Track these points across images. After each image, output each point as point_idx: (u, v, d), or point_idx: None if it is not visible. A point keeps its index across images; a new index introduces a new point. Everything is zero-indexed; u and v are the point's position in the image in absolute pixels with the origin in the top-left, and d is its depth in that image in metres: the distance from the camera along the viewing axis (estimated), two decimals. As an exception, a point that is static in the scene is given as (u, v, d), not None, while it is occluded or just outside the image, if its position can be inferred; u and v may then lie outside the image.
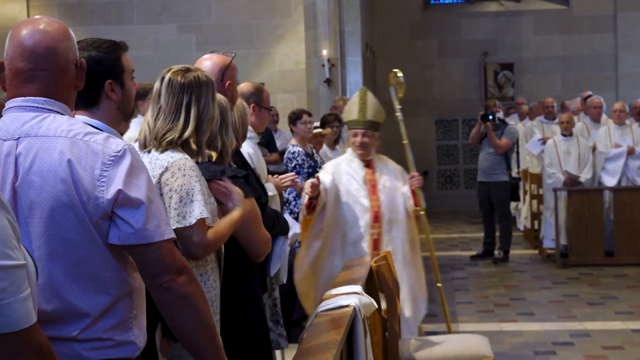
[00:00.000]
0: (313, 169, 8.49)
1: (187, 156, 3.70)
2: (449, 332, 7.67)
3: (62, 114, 2.85)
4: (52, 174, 2.73)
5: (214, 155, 4.18)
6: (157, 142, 3.73)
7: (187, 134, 3.73)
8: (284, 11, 16.17)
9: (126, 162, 2.76)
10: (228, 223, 3.85)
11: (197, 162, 4.01)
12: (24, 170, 2.75)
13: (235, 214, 3.90)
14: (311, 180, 6.38)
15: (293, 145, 8.65)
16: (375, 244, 6.73)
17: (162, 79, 3.81)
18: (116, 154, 2.76)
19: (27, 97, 2.84)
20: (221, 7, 16.27)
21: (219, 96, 4.33)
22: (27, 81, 2.86)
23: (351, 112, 6.86)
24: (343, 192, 6.74)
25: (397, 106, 7.16)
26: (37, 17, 2.94)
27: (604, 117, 13.84)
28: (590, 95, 14.55)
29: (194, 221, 3.54)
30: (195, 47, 16.06)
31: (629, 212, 12.15)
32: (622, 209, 12.18)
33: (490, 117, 12.59)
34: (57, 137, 2.76)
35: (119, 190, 2.72)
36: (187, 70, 3.81)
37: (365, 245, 6.70)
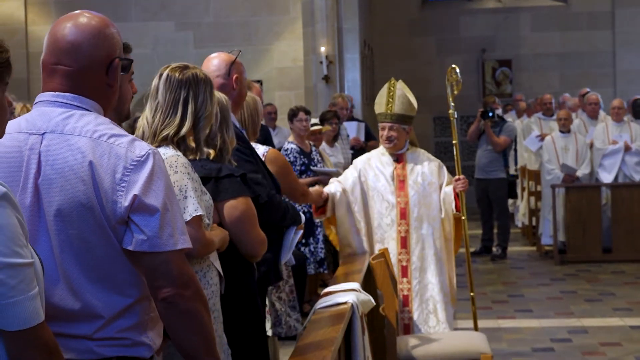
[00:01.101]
0: (306, 167, 8.49)
1: (179, 153, 3.70)
2: None
3: (90, 112, 2.80)
4: (73, 174, 2.69)
5: (212, 153, 4.19)
6: (154, 137, 3.73)
7: (184, 130, 3.73)
8: (282, 8, 16.18)
9: (148, 167, 2.71)
10: (220, 235, 3.88)
11: (194, 160, 4.02)
12: (46, 167, 2.72)
13: (222, 235, 3.92)
14: (319, 188, 6.31)
15: (289, 142, 8.67)
16: (403, 242, 6.54)
17: (160, 75, 3.81)
18: (139, 158, 2.71)
19: (57, 93, 2.80)
20: (219, 5, 16.27)
21: (219, 94, 4.35)
22: (50, 75, 2.83)
23: (379, 104, 6.67)
24: (370, 188, 6.60)
25: (452, 103, 6.89)
26: (79, 11, 2.88)
27: (602, 113, 13.85)
28: (588, 92, 14.56)
29: (188, 218, 3.53)
30: (194, 44, 16.07)
31: (627, 208, 12.16)
32: (619, 205, 12.19)
33: (490, 114, 12.59)
34: (81, 137, 2.72)
35: (135, 196, 2.68)
36: (186, 67, 3.82)
37: (393, 243, 6.53)
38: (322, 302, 4.51)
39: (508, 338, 8.37)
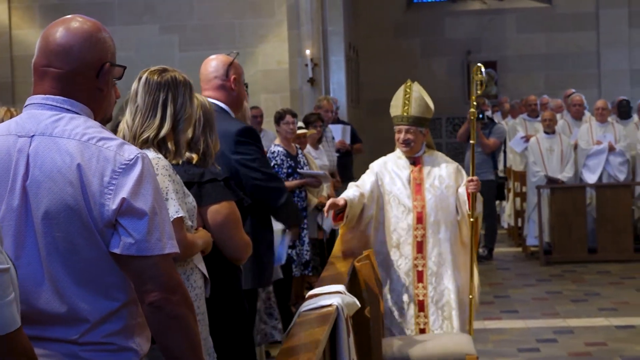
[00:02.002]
0: (293, 169, 8.49)
1: (160, 156, 3.69)
2: None
3: (80, 115, 2.80)
4: (61, 176, 2.69)
5: (196, 157, 4.19)
6: (134, 140, 3.73)
7: (163, 131, 3.73)
8: (267, 11, 16.17)
9: (136, 171, 2.71)
10: (203, 237, 3.88)
11: (177, 164, 4.02)
12: (34, 169, 2.72)
13: (206, 237, 3.93)
14: (332, 200, 6.12)
15: (275, 145, 8.66)
16: (420, 247, 6.37)
17: (139, 79, 3.82)
18: (128, 161, 2.71)
19: (47, 95, 2.80)
20: (204, 8, 16.26)
21: (202, 98, 4.35)
22: (41, 77, 2.83)
23: (395, 107, 6.48)
24: (386, 192, 6.43)
25: (474, 102, 6.66)
26: (72, 16, 2.89)
27: (586, 114, 13.89)
28: (573, 93, 14.60)
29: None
30: (178, 47, 16.06)
31: (612, 208, 12.20)
32: (604, 205, 12.24)
33: (480, 115, 12.62)
34: (70, 140, 2.72)
35: (124, 199, 2.67)
36: (164, 70, 3.82)
37: (409, 248, 6.36)
38: (307, 305, 4.50)
39: (494, 339, 8.39)
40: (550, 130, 12.66)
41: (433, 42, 19.70)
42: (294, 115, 8.80)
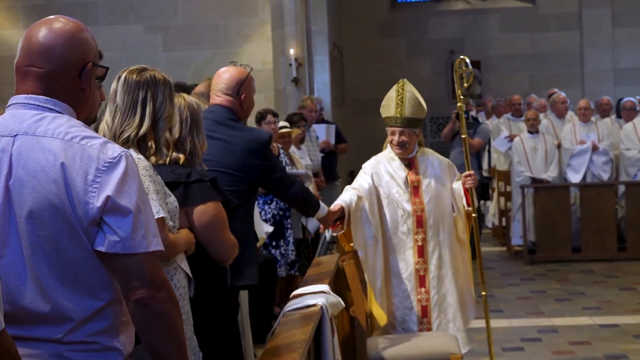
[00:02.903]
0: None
1: (140, 156, 3.69)
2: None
3: (63, 115, 2.80)
4: (45, 175, 2.69)
5: (182, 157, 4.19)
6: (115, 140, 3.72)
7: (143, 130, 3.72)
8: (251, 11, 16.15)
9: (120, 169, 2.71)
10: (185, 238, 3.88)
11: (163, 164, 4.02)
12: (17, 168, 2.71)
13: (188, 238, 3.93)
14: (329, 211, 5.84)
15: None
16: (420, 251, 6.24)
17: (119, 78, 3.82)
18: (112, 160, 2.72)
19: (30, 95, 2.80)
20: (188, 7, 16.23)
21: (190, 98, 4.35)
22: (24, 77, 2.83)
23: (388, 108, 6.26)
24: (383, 196, 6.26)
25: (460, 97, 6.48)
26: (55, 16, 2.89)
27: (569, 113, 13.93)
28: (555, 92, 14.63)
29: None
30: (162, 47, 16.02)
31: (596, 208, 12.24)
32: (588, 205, 12.27)
33: (465, 115, 12.62)
34: (53, 139, 2.72)
35: (108, 197, 2.68)
36: (143, 69, 3.82)
37: (410, 252, 6.23)
38: (292, 305, 4.51)
39: (478, 338, 8.38)
40: (534, 129, 12.69)
41: (417, 41, 19.72)
42: (275, 115, 8.80)
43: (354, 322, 5.49)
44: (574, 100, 14.75)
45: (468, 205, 6.24)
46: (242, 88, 5.09)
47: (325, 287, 4.81)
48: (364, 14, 19.52)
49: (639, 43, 19.27)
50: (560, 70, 19.39)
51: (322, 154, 11.18)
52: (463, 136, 6.65)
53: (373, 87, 19.48)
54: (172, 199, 3.81)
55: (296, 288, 5.06)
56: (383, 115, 6.33)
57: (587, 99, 14.00)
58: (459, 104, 6.54)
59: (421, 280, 6.24)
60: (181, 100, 4.27)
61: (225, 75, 5.11)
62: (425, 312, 6.23)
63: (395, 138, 6.23)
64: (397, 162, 6.32)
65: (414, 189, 6.27)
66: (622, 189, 12.69)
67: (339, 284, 5.79)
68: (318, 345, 4.42)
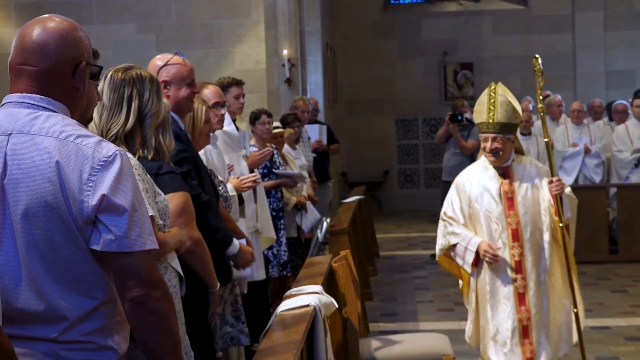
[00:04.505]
0: (268, 170, 8.49)
1: (129, 154, 3.70)
2: None
3: (57, 113, 2.80)
4: (40, 173, 2.69)
5: (151, 155, 4.19)
6: (103, 137, 3.73)
7: (129, 125, 3.73)
8: (245, 11, 16.16)
9: (115, 168, 2.72)
10: (176, 237, 3.89)
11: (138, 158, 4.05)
12: (12, 167, 2.72)
13: (179, 236, 3.94)
14: (492, 252, 5.71)
15: (250, 145, 8.66)
16: (518, 266, 5.83)
17: (105, 77, 3.84)
18: (106, 158, 2.72)
19: (24, 94, 2.81)
20: (181, 7, 16.23)
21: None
22: (17, 76, 2.84)
23: (480, 113, 5.89)
24: (476, 210, 5.92)
25: (539, 97, 6.06)
26: (49, 15, 2.90)
27: (562, 116, 13.96)
28: (549, 95, 14.66)
29: None
30: (156, 46, 16.00)
31: (587, 210, 12.23)
32: (580, 207, 12.19)
33: (459, 117, 12.65)
34: (47, 137, 2.72)
35: (104, 196, 2.68)
36: (129, 67, 3.85)
37: (508, 268, 5.83)
38: (285, 305, 4.51)
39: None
40: (526, 131, 12.71)
41: (410, 43, 19.74)
42: (270, 115, 8.80)
43: (347, 323, 5.49)
44: (566, 102, 14.77)
45: (556, 214, 5.86)
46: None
47: (318, 287, 4.81)
48: (357, 15, 19.53)
49: (631, 46, 19.32)
50: (553, 72, 19.37)
51: (314, 154, 11.19)
52: (546, 139, 6.22)
53: (366, 88, 19.54)
54: (162, 198, 3.82)
55: (289, 288, 5.06)
56: (476, 121, 6.01)
57: (579, 101, 14.03)
58: (540, 105, 6.14)
59: (521, 299, 5.84)
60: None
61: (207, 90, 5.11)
62: (527, 333, 5.85)
63: (488, 145, 5.84)
64: (491, 172, 5.96)
65: (508, 201, 5.88)
66: (613, 191, 12.72)
67: (331, 284, 5.79)
68: (311, 345, 4.42)
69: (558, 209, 5.83)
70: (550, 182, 5.89)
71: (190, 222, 4.24)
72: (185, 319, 4.09)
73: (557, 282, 5.92)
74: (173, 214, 4.11)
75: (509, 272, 5.83)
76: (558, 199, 5.85)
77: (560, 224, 5.84)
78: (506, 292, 5.83)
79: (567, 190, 5.99)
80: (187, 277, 4.18)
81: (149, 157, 4.14)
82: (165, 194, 4.08)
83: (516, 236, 5.83)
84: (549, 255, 5.88)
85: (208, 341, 4.51)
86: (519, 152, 6.05)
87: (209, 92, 5.94)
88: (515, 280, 5.81)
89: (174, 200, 4.14)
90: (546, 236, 5.88)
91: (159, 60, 4.83)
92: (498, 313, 5.85)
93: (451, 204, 6.01)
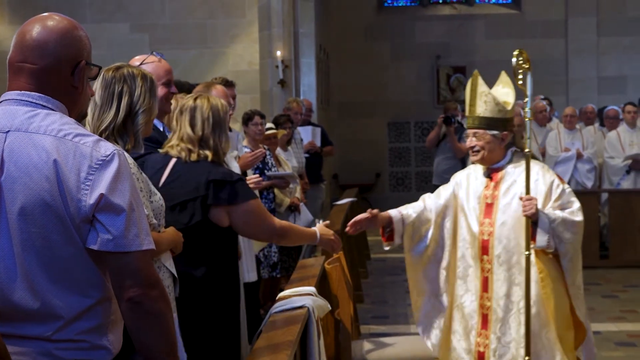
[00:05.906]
0: (260, 171, 8.48)
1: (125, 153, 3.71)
2: None
3: (55, 112, 2.80)
4: (37, 172, 2.69)
5: (210, 154, 4.46)
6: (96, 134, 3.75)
7: (119, 120, 3.73)
8: (239, 11, 16.15)
9: (113, 167, 2.72)
10: (170, 237, 3.89)
11: (196, 161, 4.38)
12: (9, 165, 2.71)
13: (174, 237, 3.96)
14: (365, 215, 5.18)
15: (243, 146, 8.65)
16: (485, 284, 5.11)
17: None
18: (105, 157, 2.73)
19: (23, 92, 2.81)
20: (175, 6, 16.21)
21: (216, 100, 4.56)
22: (16, 74, 2.84)
23: (466, 107, 5.25)
24: (459, 209, 5.26)
25: (526, 100, 5.35)
26: (49, 14, 2.90)
27: (554, 120, 13.96)
28: (541, 99, 14.68)
29: None
30: (149, 46, 15.99)
31: (579, 215, 12.26)
32: (572, 212, 12.28)
33: (452, 120, 12.67)
34: (45, 136, 2.72)
35: (102, 195, 2.68)
36: (120, 66, 3.88)
37: (477, 282, 5.15)
38: (278, 306, 4.51)
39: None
40: (518, 136, 12.72)
41: (403, 45, 19.74)
42: (262, 117, 8.80)
43: (339, 325, 5.50)
44: (558, 107, 14.78)
45: (533, 240, 4.98)
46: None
47: (311, 289, 4.81)
48: (350, 17, 19.53)
49: (623, 51, 19.35)
50: (545, 77, 19.43)
51: (306, 155, 11.18)
52: (527, 150, 5.11)
53: (358, 90, 19.53)
54: (158, 197, 3.82)
55: (280, 290, 5.06)
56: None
57: (572, 106, 14.05)
58: (525, 110, 5.31)
59: (483, 321, 5.15)
60: (204, 101, 4.51)
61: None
62: (481, 359, 5.16)
63: (467, 141, 5.18)
64: (479, 171, 5.28)
65: (487, 207, 5.13)
66: (605, 196, 12.74)
67: (324, 286, 5.79)
68: (304, 347, 4.42)
69: (526, 233, 4.94)
70: (521, 198, 5.00)
71: (270, 216, 4.60)
72: (216, 312, 4.24)
73: (542, 316, 5.09)
74: (259, 216, 4.47)
75: (478, 286, 5.18)
76: (527, 221, 4.95)
77: (527, 252, 4.96)
78: (471, 310, 5.22)
79: (561, 213, 5.07)
80: (220, 270, 4.37)
81: (209, 158, 4.43)
82: (245, 201, 4.39)
83: (486, 249, 5.11)
84: (538, 286, 5.02)
85: (235, 337, 4.54)
86: (533, 158, 5.15)
87: (216, 93, 5.97)
88: (481, 297, 5.15)
89: (255, 205, 4.46)
90: (534, 260, 5.01)
91: (136, 60, 4.86)
92: (460, 328, 5.28)
93: (437, 191, 5.43)
